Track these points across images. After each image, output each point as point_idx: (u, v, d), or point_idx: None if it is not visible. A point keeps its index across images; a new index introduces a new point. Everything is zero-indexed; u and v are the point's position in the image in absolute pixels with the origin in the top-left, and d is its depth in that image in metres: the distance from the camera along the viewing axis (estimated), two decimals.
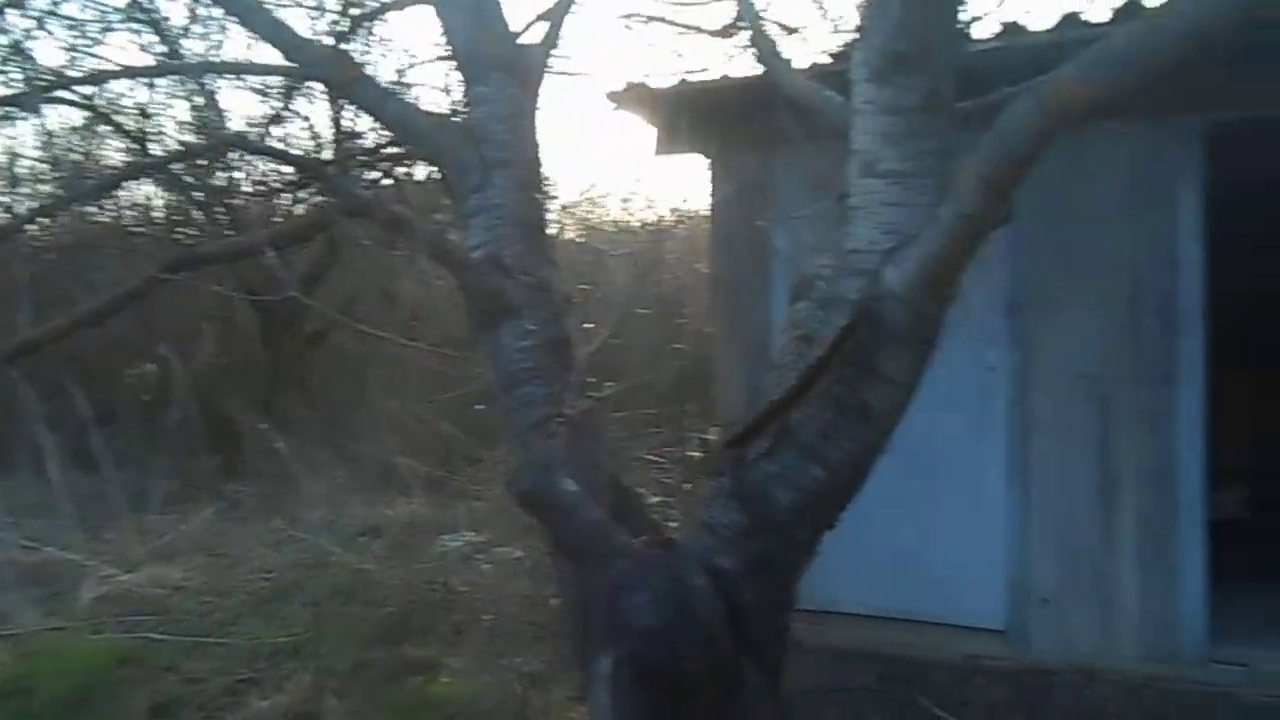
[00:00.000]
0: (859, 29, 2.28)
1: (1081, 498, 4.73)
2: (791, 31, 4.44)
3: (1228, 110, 4.48)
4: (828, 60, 4.55)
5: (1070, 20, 4.30)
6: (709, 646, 2.27)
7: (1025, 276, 4.84)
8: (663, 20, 4.28)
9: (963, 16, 3.09)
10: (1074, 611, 4.74)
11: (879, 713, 4.19)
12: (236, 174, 8.27)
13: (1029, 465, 4.84)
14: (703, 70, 5.07)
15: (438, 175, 3.26)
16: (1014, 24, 4.39)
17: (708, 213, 5.96)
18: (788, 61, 3.39)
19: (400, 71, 7.84)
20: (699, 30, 4.32)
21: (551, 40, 3.05)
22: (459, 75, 3.02)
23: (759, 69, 3.36)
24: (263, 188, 8.18)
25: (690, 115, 5.28)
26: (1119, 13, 4.17)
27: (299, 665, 4.81)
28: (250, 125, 7.86)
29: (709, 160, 5.62)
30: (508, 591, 5.29)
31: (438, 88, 9.86)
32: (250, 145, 6.87)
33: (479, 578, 5.74)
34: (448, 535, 6.65)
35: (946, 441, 4.86)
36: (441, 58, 5.82)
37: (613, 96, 5.29)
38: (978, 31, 4.38)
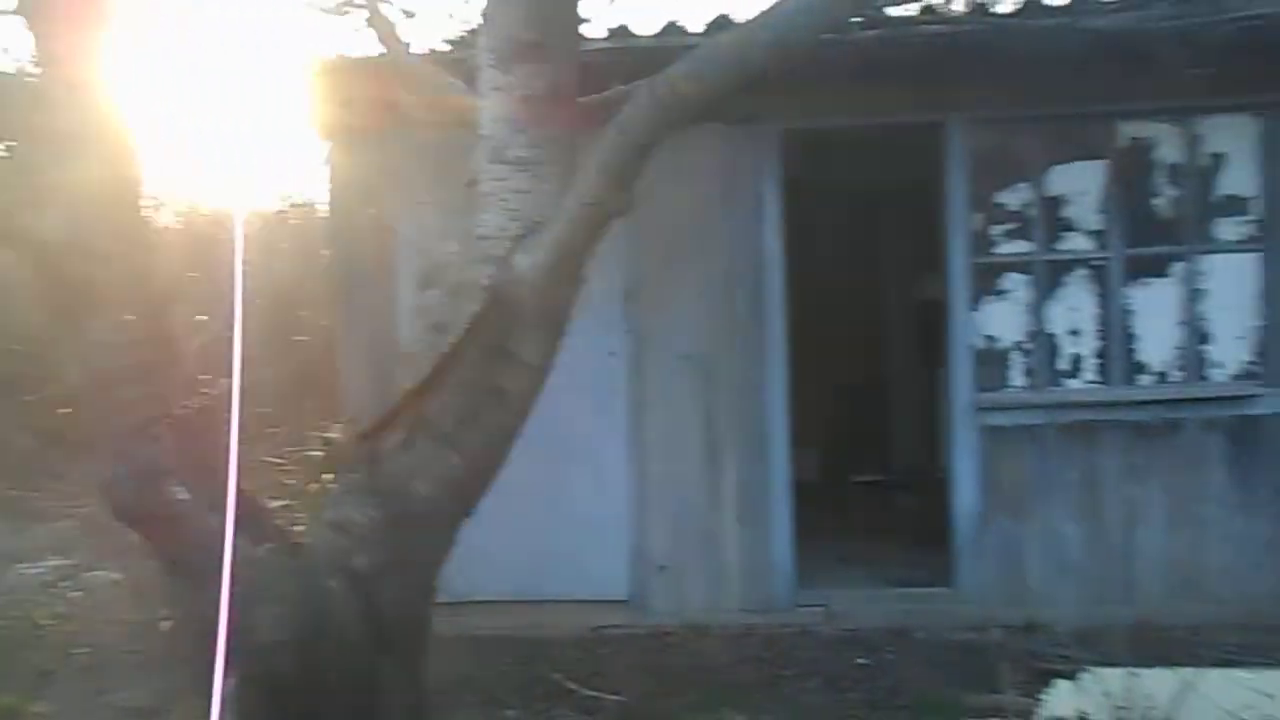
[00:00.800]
0: (484, 16, 2.28)
1: (692, 468, 5.17)
2: (410, 16, 4.37)
3: (799, 119, 5.10)
4: (447, 47, 4.54)
5: (671, 28, 4.67)
6: (345, 652, 2.18)
7: (638, 267, 5.17)
8: None
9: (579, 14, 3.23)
10: (687, 574, 5.17)
11: (517, 694, 4.27)
12: None
13: (646, 442, 5.20)
14: (318, 48, 4.84)
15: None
16: (622, 27, 4.68)
17: (327, 199, 5.70)
18: (407, 45, 3.33)
19: None
20: (313, 7, 4.12)
21: None
22: (29, 31, 2.60)
23: (379, 50, 3.27)
24: None
25: (306, 94, 5.01)
26: (711, 25, 4.59)
27: None
28: None
29: (328, 143, 5.37)
30: (105, 619, 4.71)
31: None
32: None
33: (68, 608, 5.05)
34: (25, 563, 5.79)
35: (574, 426, 5.05)
36: (8, 11, 4.99)
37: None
38: (588, 32, 4.61)
